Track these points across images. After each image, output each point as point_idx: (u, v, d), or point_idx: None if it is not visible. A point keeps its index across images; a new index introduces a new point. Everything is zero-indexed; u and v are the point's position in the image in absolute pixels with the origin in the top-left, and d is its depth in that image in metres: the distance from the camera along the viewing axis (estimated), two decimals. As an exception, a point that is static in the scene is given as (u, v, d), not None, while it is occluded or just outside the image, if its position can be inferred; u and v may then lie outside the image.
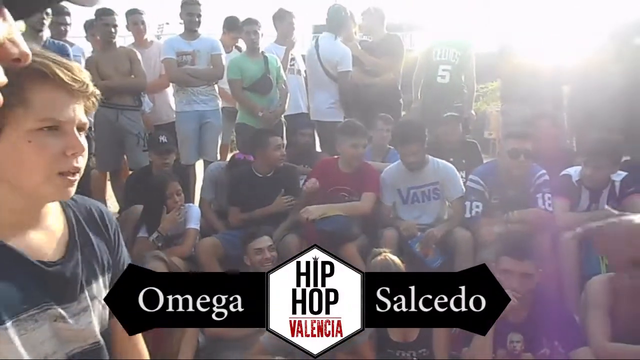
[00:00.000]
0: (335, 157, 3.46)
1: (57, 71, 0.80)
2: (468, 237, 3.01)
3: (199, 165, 4.50)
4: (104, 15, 4.04)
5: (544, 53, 4.04)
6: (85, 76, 0.84)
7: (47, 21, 3.97)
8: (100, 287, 0.94)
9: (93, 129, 3.99)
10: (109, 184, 4.39)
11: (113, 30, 4.03)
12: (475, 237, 2.99)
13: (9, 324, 0.78)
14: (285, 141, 4.24)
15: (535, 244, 2.44)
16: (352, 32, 4.63)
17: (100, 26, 4.06)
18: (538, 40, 4.09)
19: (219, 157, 4.50)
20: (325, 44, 4.49)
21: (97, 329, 0.92)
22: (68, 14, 4.29)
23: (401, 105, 4.58)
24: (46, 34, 4.01)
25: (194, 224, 3.22)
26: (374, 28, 4.47)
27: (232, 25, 4.92)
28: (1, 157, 0.80)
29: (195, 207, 3.38)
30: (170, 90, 4.57)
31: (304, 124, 4.41)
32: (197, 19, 4.28)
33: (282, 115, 4.41)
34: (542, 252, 2.38)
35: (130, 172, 4.06)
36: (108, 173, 4.28)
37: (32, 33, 3.94)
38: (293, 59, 4.69)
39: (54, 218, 0.90)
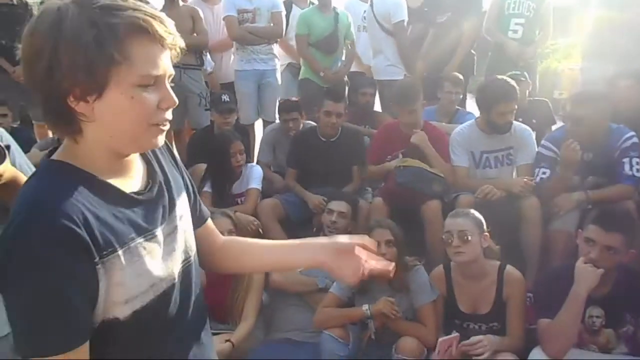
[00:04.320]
0: (397, 119, 3.32)
1: (156, 26, 0.80)
2: (536, 205, 2.81)
3: (258, 125, 4.50)
4: (166, -28, 4.01)
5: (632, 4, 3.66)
6: (174, 27, 0.84)
7: None
8: (182, 205, 1.01)
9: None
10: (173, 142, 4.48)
11: (175, -13, 4.00)
12: (542, 203, 2.80)
13: (120, 251, 0.83)
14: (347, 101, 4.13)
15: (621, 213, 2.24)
16: None
17: (163, -17, 4.04)
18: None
19: (277, 117, 4.48)
20: None
21: (185, 245, 0.99)
22: None
23: (475, 62, 4.32)
24: None
25: (256, 183, 3.25)
26: None
27: None
28: (104, 111, 0.82)
29: (257, 167, 3.39)
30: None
31: (365, 83, 4.29)
32: None
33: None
34: (629, 222, 2.17)
35: (193, 131, 4.11)
36: (172, 131, 4.36)
37: None
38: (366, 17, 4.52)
39: (135, 155, 0.95)
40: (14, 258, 0.76)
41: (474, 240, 2.19)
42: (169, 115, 0.87)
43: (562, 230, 2.65)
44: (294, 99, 3.95)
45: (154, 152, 1.00)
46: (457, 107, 3.82)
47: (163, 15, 0.83)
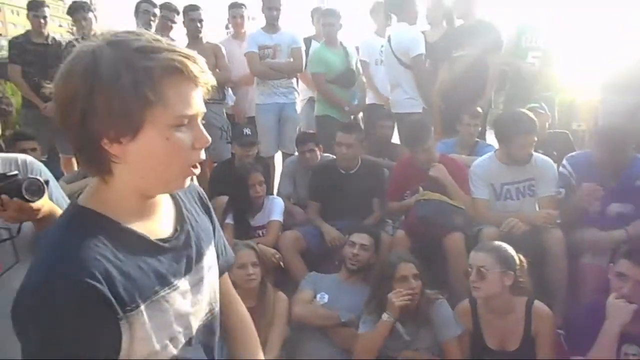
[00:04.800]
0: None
1: (191, 67, 0.79)
2: (560, 238, 2.78)
3: (278, 157, 4.56)
4: (191, 10, 4.18)
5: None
6: (205, 64, 0.83)
7: (154, 22, 4.16)
8: (211, 256, 0.98)
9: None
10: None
11: (199, 25, 4.16)
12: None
13: (143, 306, 0.81)
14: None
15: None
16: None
17: (188, 22, 4.19)
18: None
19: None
20: (396, 32, 4.35)
21: (210, 296, 0.97)
22: (176, 11, 4.34)
23: (492, 95, 4.34)
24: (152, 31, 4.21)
25: (278, 216, 3.27)
26: (468, 11, 4.15)
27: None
28: (138, 153, 0.80)
29: (278, 199, 3.41)
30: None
31: (383, 115, 4.33)
32: (275, 13, 4.29)
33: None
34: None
35: (215, 164, 4.17)
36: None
37: None
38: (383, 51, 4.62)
39: (163, 197, 0.93)
40: (34, 313, 0.74)
41: (491, 277, 2.14)
42: (202, 155, 0.85)
43: (593, 264, 2.61)
44: (310, 131, 4.01)
45: (185, 196, 0.99)
46: (476, 139, 3.83)
47: (195, 53, 0.82)
